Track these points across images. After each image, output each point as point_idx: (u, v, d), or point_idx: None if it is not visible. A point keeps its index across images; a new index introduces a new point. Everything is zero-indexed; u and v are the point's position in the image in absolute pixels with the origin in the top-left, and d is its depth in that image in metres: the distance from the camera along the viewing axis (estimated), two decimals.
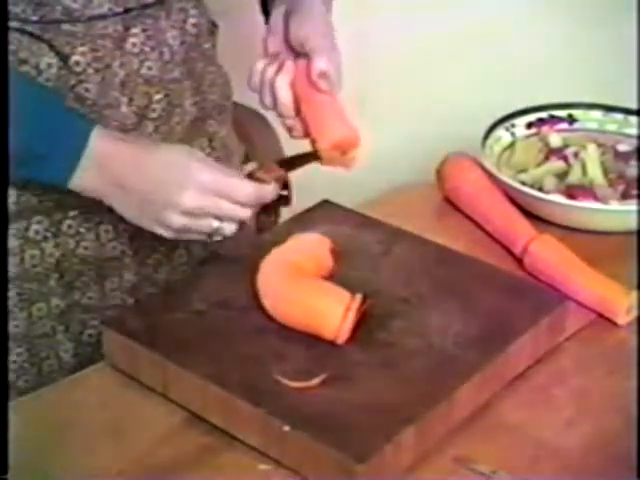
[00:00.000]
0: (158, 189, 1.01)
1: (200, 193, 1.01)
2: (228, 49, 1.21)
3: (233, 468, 0.92)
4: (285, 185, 1.53)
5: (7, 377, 1.08)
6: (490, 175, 1.30)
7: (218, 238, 1.05)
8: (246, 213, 1.04)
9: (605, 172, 1.32)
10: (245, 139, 1.28)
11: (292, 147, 1.58)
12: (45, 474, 0.91)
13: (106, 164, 1.01)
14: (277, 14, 1.13)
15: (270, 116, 1.59)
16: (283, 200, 1.51)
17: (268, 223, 1.42)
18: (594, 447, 0.95)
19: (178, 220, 1.01)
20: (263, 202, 1.05)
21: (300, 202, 1.30)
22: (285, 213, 1.50)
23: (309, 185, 1.46)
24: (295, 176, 1.56)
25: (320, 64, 1.07)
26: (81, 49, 1.04)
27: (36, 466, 0.92)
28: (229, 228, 1.04)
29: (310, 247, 1.06)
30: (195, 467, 0.92)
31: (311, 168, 1.70)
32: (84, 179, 1.02)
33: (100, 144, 1.01)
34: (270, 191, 1.05)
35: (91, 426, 0.96)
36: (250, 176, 1.05)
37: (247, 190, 1.03)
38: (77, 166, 1.01)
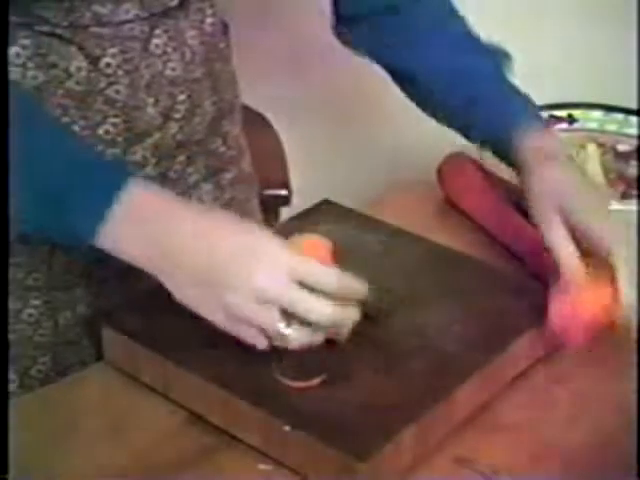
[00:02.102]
0: (226, 263, 0.90)
1: (274, 271, 0.90)
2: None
3: (233, 468, 0.92)
4: (285, 185, 1.54)
5: (7, 377, 1.08)
6: (490, 175, 1.30)
7: (279, 343, 0.92)
8: (322, 311, 0.90)
9: (605, 172, 1.33)
10: (246, 139, 1.28)
11: (293, 147, 1.58)
12: (45, 474, 0.91)
13: (150, 227, 0.92)
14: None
15: (270, 116, 1.59)
16: (283, 200, 1.52)
17: (268, 223, 1.42)
18: (594, 447, 0.95)
19: (245, 304, 0.90)
20: (348, 298, 0.92)
21: (300, 202, 1.30)
22: (285, 213, 1.50)
23: (309, 185, 1.46)
24: (295, 176, 1.56)
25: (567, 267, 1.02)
26: (111, 51, 1.04)
27: (36, 466, 0.92)
28: (295, 334, 0.91)
29: (310, 248, 1.06)
30: (195, 467, 0.92)
31: (310, 168, 1.71)
32: (115, 236, 0.93)
33: (139, 198, 0.93)
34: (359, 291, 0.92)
35: (91, 426, 0.96)
36: None
37: (331, 277, 0.91)
38: (105, 220, 0.92)
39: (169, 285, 0.94)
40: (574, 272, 1.03)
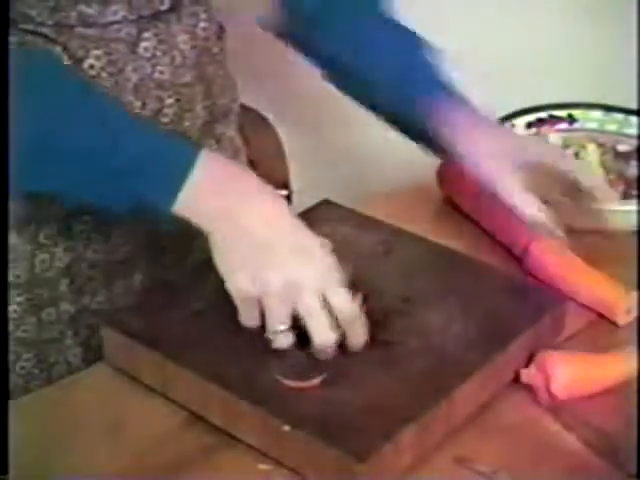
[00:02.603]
0: (281, 245, 0.95)
1: (317, 271, 0.94)
2: (229, 51, 1.21)
3: (233, 468, 0.92)
4: (285, 185, 1.53)
5: (7, 377, 1.08)
6: None
7: (267, 334, 0.96)
8: (328, 338, 0.94)
9: (605, 172, 1.32)
10: (245, 140, 1.28)
11: (293, 148, 1.58)
12: (45, 474, 0.91)
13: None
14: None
15: (270, 116, 1.59)
16: None
17: None
18: (594, 447, 0.95)
19: (275, 281, 0.93)
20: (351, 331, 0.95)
21: (300, 202, 1.30)
22: None
23: (309, 185, 1.46)
24: (295, 176, 1.56)
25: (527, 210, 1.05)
26: (95, 52, 1.04)
27: (36, 466, 0.92)
28: (282, 339, 0.95)
29: None
30: (195, 467, 0.92)
31: (310, 168, 1.70)
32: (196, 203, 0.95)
33: (214, 164, 0.96)
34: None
35: (91, 426, 0.96)
36: None
37: (351, 304, 0.95)
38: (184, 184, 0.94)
39: (214, 237, 0.95)
40: (532, 218, 1.06)
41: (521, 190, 1.07)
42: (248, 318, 0.96)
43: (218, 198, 0.95)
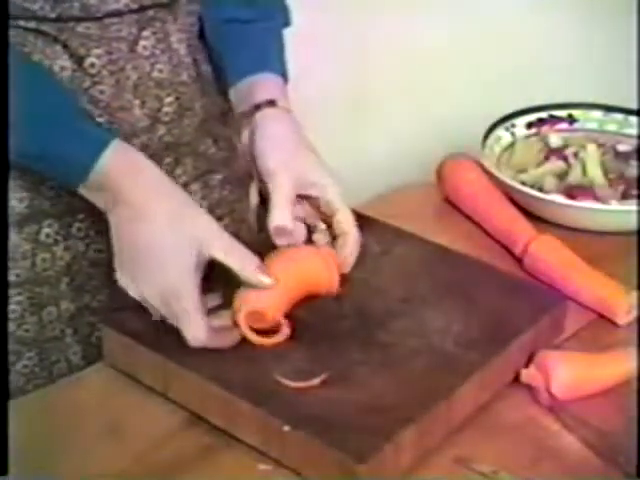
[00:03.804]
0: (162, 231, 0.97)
1: (204, 228, 0.99)
2: None
3: (233, 468, 0.92)
4: None
5: (7, 377, 1.08)
6: (490, 175, 1.30)
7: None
8: (196, 333, 0.96)
9: (605, 172, 1.33)
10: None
11: None
12: (45, 474, 0.91)
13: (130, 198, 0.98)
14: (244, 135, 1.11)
15: None
16: None
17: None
18: (594, 447, 0.95)
19: (153, 296, 0.98)
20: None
21: None
22: None
23: None
24: None
25: (276, 219, 1.04)
26: (96, 51, 1.04)
27: (36, 466, 0.92)
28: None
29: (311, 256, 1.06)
30: (195, 467, 0.92)
31: None
32: (93, 194, 0.99)
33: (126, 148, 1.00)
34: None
35: (91, 426, 0.96)
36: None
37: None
38: (88, 176, 0.97)
39: (111, 221, 0.99)
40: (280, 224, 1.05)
41: (288, 195, 1.06)
42: (155, 315, 0.99)
43: (120, 185, 0.97)
